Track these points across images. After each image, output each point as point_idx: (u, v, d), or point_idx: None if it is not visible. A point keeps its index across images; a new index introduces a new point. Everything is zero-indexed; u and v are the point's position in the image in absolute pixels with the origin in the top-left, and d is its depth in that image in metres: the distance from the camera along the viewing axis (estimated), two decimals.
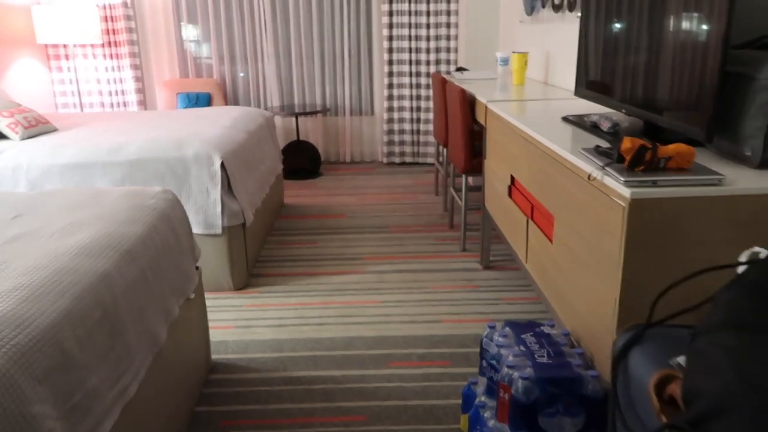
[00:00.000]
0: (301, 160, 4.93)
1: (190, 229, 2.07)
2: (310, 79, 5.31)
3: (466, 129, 3.14)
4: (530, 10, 4.03)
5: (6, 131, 3.09)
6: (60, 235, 1.56)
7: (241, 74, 5.31)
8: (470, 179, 3.21)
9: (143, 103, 5.21)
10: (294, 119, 5.34)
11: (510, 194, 2.44)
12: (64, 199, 1.87)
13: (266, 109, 5.12)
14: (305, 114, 4.83)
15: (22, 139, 3.09)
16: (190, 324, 2.00)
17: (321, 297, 2.76)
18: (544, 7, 3.80)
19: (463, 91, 3.14)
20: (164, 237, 1.81)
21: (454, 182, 3.71)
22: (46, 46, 4.90)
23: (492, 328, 1.71)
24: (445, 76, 3.99)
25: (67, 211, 1.76)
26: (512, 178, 2.41)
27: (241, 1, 5.12)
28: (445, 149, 3.98)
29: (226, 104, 5.28)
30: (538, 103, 2.74)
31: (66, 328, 1.20)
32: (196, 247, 2.11)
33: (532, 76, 4.00)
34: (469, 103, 3.17)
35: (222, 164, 2.75)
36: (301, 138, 5.25)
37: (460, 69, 4.31)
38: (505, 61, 4.09)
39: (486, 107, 2.85)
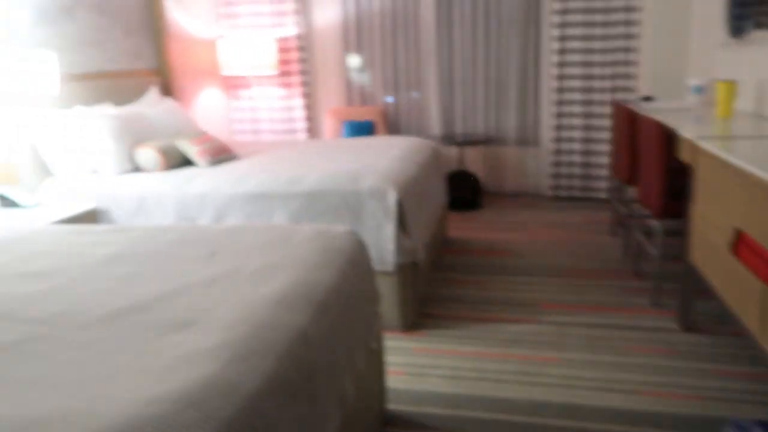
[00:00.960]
0: (462, 191, 4.76)
1: (374, 273, 1.96)
2: (472, 107, 5.16)
3: (663, 168, 2.76)
4: (736, 31, 3.53)
5: (195, 159, 3.26)
6: (256, 280, 1.50)
7: (404, 102, 5.29)
8: (658, 222, 2.81)
9: (311, 131, 5.38)
10: (455, 148, 5.20)
11: (734, 251, 2.05)
12: (256, 236, 1.85)
13: (427, 137, 5.03)
14: (468, 144, 4.67)
15: (208, 166, 3.24)
16: (367, 372, 1.88)
17: (496, 347, 2.53)
18: (756, 28, 3.30)
19: (659, 125, 2.77)
20: (352, 283, 1.71)
21: (639, 224, 3.31)
22: (227, 77, 5.24)
23: (741, 429, 1.38)
24: (630, 106, 3.62)
25: (260, 250, 1.72)
26: (738, 232, 2.02)
27: (407, 30, 5.11)
28: (626, 186, 3.59)
29: (388, 132, 5.28)
30: (765, 141, 2.31)
31: (270, 395, 1.10)
32: (378, 291, 2.00)
33: (739, 107, 3.49)
34: (668, 138, 2.79)
35: (396, 199, 2.65)
36: (462, 167, 5.08)
37: (646, 98, 3.89)
38: (699, 90, 3.62)
39: (695, 144, 2.47)
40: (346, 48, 5.28)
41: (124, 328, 1.25)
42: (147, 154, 3.18)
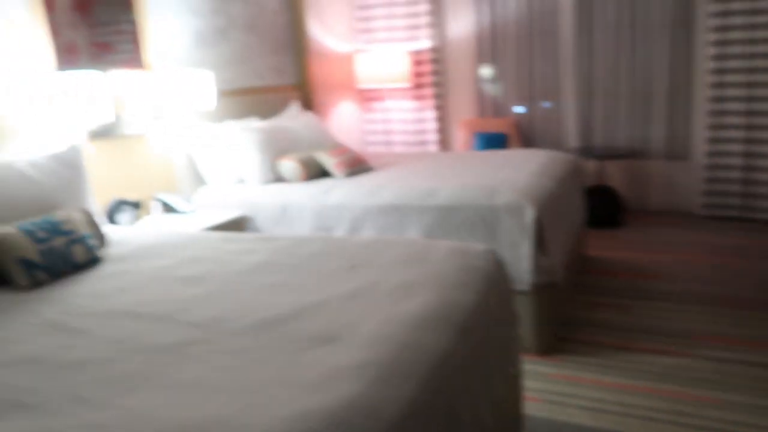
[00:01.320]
0: (602, 208, 4.48)
1: (513, 295, 1.88)
2: (614, 118, 4.85)
3: None
4: None
5: (333, 170, 3.36)
6: (396, 297, 1.48)
7: (538, 113, 5.11)
8: None
9: (442, 143, 5.37)
10: (593, 161, 4.92)
11: None
12: (394, 251, 1.84)
13: (564, 149, 4.81)
14: (609, 157, 4.39)
15: (345, 177, 3.32)
16: (505, 398, 1.80)
17: (644, 381, 2.32)
18: None
19: None
20: (491, 305, 1.64)
21: None
22: (362, 90, 5.39)
23: None
24: None
25: (399, 266, 1.71)
26: None
27: (543, 38, 4.93)
28: None
29: (522, 144, 5.13)
30: None
31: (412, 419, 1.07)
32: (517, 314, 1.91)
33: None
34: None
35: (534, 216, 2.54)
36: (602, 182, 4.79)
37: None
38: None
39: None
40: (480, 58, 5.21)
41: (271, 339, 1.29)
42: (288, 165, 3.32)
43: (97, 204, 2.41)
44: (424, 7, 5.06)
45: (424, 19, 5.09)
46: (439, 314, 1.39)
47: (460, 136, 5.20)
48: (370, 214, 2.89)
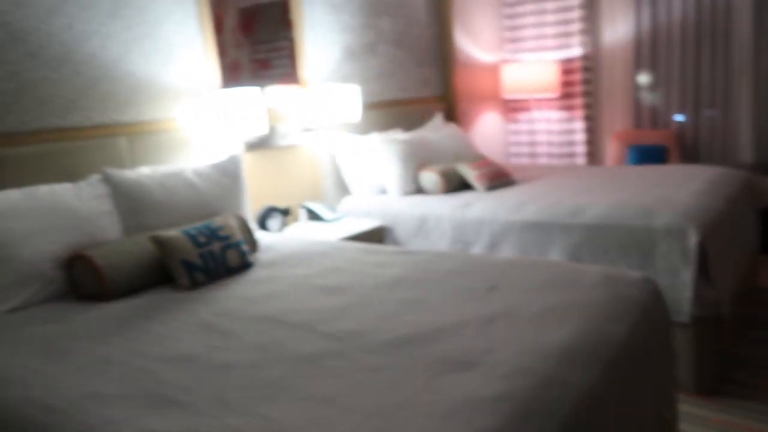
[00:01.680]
0: None
1: (671, 328, 1.69)
2: None
3: None
4: None
5: (474, 183, 3.30)
6: (538, 326, 1.39)
7: (704, 123, 4.63)
8: None
9: (591, 156, 5.07)
10: None
11: None
12: (538, 273, 1.74)
13: (736, 165, 4.30)
14: None
15: (486, 191, 3.25)
16: None
17: None
18: None
19: None
20: (646, 340, 1.48)
21: None
22: (507, 100, 5.26)
23: None
24: None
25: (541, 290, 1.61)
26: None
27: (714, 42, 4.46)
28: None
29: (683, 158, 4.68)
30: None
31: None
32: (675, 351, 1.72)
33: None
34: None
35: (698, 240, 2.28)
36: None
37: None
38: None
39: None
40: (637, 65, 4.85)
41: (406, 359, 1.26)
42: (429, 177, 3.32)
43: (250, 211, 2.57)
44: (577, 14, 4.82)
45: (577, 26, 4.85)
46: (586, 348, 1.28)
47: (612, 149, 4.87)
48: (511, 231, 2.79)
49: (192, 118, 2.68)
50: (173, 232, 1.95)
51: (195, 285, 1.88)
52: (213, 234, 2.00)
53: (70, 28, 2.28)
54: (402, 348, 1.32)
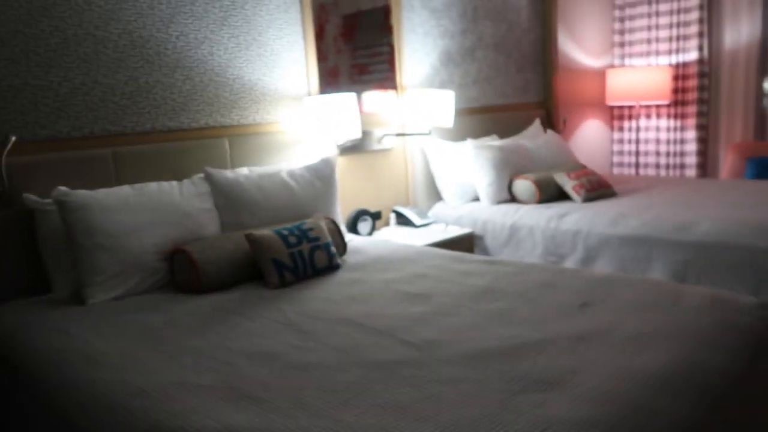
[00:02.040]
0: None
1: None
2: None
3: None
4: None
5: (571, 193, 3.16)
6: (631, 348, 1.30)
7: None
8: None
9: (703, 168, 4.71)
10: None
11: None
12: (635, 292, 1.63)
13: None
14: None
15: (583, 201, 3.10)
16: None
17: None
18: None
19: None
20: (759, 374, 1.34)
21: None
22: (612, 107, 5.01)
23: None
24: None
25: (639, 310, 1.50)
26: None
27: None
28: None
29: None
30: None
31: None
32: None
33: None
34: None
35: None
36: None
37: None
38: None
39: None
40: (763, 71, 4.44)
41: (485, 373, 1.22)
42: (524, 185, 3.22)
43: (340, 213, 2.62)
44: (695, 15, 4.50)
45: (695, 29, 4.53)
46: (685, 376, 1.18)
47: (729, 162, 4.49)
48: (608, 245, 2.64)
49: (290, 121, 2.77)
50: (266, 232, 2.02)
51: (283, 284, 1.94)
52: (303, 235, 2.05)
53: (184, 36, 2.43)
54: (483, 361, 1.28)
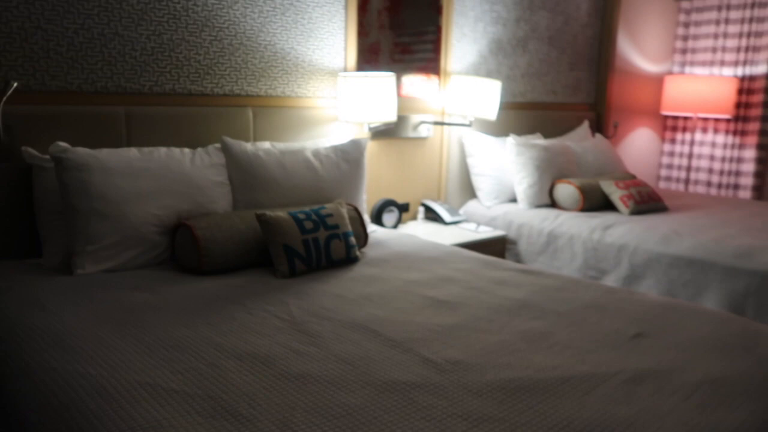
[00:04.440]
0: None
1: None
2: None
3: None
4: None
5: (617, 203, 2.90)
6: (703, 398, 1.06)
7: None
8: None
9: (759, 190, 4.36)
10: None
11: None
12: (704, 325, 1.38)
13: None
14: None
15: (630, 214, 2.83)
16: None
17: None
18: None
19: None
20: None
21: None
22: (666, 117, 4.68)
23: None
24: None
25: (709, 349, 1.26)
26: None
27: None
28: None
29: None
30: None
31: None
32: None
33: None
34: None
35: None
36: None
37: None
38: None
39: None
40: None
41: (520, 412, 1.00)
42: (567, 191, 2.96)
43: (365, 201, 2.40)
44: None
45: (766, 41, 4.17)
46: None
47: None
48: (657, 264, 2.38)
49: (322, 97, 2.56)
50: (280, 213, 1.81)
51: (293, 273, 1.73)
52: (321, 220, 1.84)
53: None
54: (517, 396, 1.05)
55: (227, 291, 1.57)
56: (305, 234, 1.77)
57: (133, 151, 1.85)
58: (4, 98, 1.77)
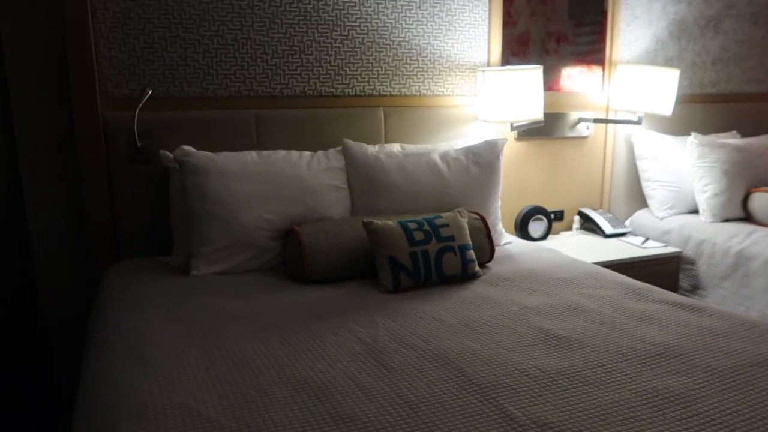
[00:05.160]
0: None
1: None
2: None
3: None
4: None
5: None
6: None
7: None
8: None
9: None
10: None
11: None
12: None
13: None
14: None
15: None
16: None
17: None
18: None
19: None
20: None
21: None
22: None
23: None
24: None
25: None
26: None
27: None
28: None
29: None
30: None
31: None
32: None
33: None
34: None
35: None
36: None
37: None
38: None
39: None
40: None
41: None
42: (767, 202, 2.40)
43: (498, 210, 2.14)
44: None
45: None
46: None
47: None
48: None
49: (461, 95, 2.37)
50: (389, 222, 1.67)
51: (397, 288, 1.58)
52: (434, 231, 1.66)
53: None
54: None
55: (321, 304, 1.47)
56: (414, 245, 1.61)
57: (251, 155, 1.85)
58: (140, 105, 1.87)
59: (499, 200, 2.14)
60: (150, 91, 1.89)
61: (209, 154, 1.81)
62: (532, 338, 1.26)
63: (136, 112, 1.87)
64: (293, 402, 0.99)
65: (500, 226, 2.11)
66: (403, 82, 2.30)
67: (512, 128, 2.40)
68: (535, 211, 2.48)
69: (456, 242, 1.66)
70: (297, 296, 1.52)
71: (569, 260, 1.87)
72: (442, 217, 1.72)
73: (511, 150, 2.47)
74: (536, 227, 2.48)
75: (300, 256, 1.64)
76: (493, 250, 1.84)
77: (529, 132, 2.49)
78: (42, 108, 1.87)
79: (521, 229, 2.46)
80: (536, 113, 2.26)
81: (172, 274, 1.69)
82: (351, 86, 2.23)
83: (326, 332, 1.29)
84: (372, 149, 2.00)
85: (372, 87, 2.26)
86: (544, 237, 2.50)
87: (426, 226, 1.66)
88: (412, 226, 1.66)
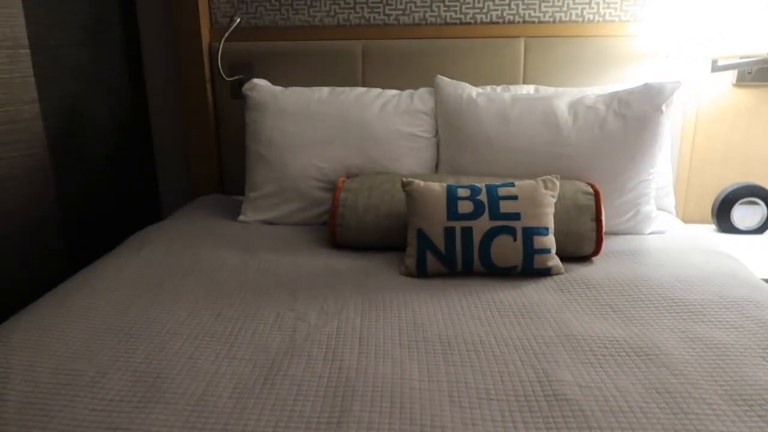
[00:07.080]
0: None
1: None
2: None
3: None
4: None
5: None
6: None
7: None
8: None
9: None
10: None
11: None
12: None
13: None
14: None
15: None
16: None
17: None
18: None
19: None
20: None
21: None
22: None
23: None
24: None
25: None
26: None
27: None
28: None
29: None
30: None
31: None
32: None
33: None
34: None
35: None
36: None
37: None
38: None
39: None
40: None
41: None
42: None
43: (650, 185, 1.49)
44: None
45: None
46: None
47: None
48: None
49: (638, 20, 1.71)
50: (434, 185, 1.26)
51: (422, 272, 1.20)
52: (490, 204, 1.20)
53: None
54: None
55: (327, 281, 1.17)
56: (453, 219, 1.19)
57: (322, 92, 1.60)
58: (226, 34, 1.76)
59: (653, 170, 1.49)
60: (239, 20, 1.77)
61: (275, 89, 1.62)
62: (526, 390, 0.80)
63: (221, 43, 1.77)
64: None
65: (649, 207, 1.47)
66: (556, 3, 1.75)
67: (714, 68, 1.65)
68: (747, 191, 1.71)
69: (521, 222, 1.18)
70: (309, 261, 1.26)
71: (740, 277, 1.19)
72: (514, 186, 1.24)
73: (713, 101, 1.73)
74: (746, 214, 1.72)
75: (331, 214, 1.37)
76: (600, 242, 1.28)
77: (751, 75, 1.70)
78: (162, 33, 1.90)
79: (720, 216, 1.73)
80: (759, 46, 1.50)
81: (221, 219, 1.57)
82: (485, 11, 1.78)
83: (270, 314, 1.02)
84: (469, 89, 1.56)
85: (513, 11, 1.77)
86: (760, 230, 1.72)
87: (481, 195, 1.22)
88: (462, 192, 1.23)
